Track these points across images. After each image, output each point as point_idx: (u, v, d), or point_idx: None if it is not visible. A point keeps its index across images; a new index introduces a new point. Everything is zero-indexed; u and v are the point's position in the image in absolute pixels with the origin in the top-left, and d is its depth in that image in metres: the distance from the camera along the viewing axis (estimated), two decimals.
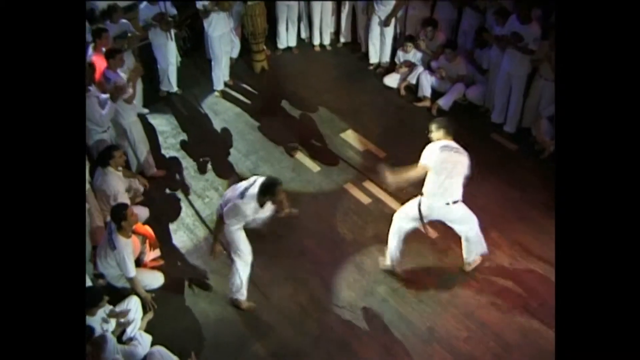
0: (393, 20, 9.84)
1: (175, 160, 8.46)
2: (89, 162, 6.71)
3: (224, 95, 9.80)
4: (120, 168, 6.92)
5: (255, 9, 9.58)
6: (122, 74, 7.46)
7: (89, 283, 5.99)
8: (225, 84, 9.92)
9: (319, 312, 6.36)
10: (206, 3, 8.91)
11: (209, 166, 8.31)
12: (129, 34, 8.60)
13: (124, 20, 8.66)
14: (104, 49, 7.63)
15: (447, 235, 7.02)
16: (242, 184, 5.86)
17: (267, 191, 5.67)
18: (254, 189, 5.68)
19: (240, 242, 6.04)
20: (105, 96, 7.10)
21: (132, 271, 6.03)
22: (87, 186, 6.57)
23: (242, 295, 6.33)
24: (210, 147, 8.70)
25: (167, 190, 7.94)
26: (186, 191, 7.92)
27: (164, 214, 7.55)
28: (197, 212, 7.57)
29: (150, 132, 8.83)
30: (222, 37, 9.38)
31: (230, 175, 8.14)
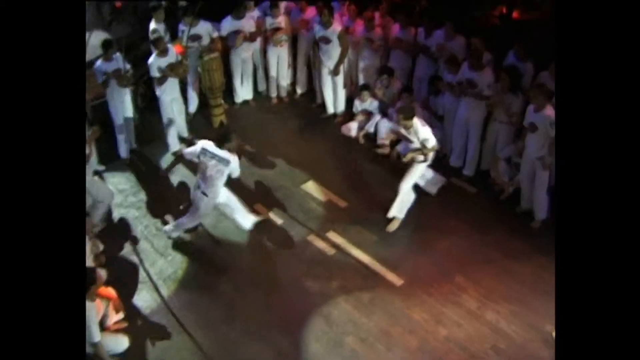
0: (344, 69, 10.01)
1: (135, 219, 8.35)
2: None
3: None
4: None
5: (212, 64, 9.62)
6: None
7: None
8: (184, 140, 9.90)
9: None
10: (162, 67, 8.95)
11: (171, 224, 8.17)
12: None
13: None
14: None
15: (413, 284, 7.06)
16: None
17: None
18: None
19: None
20: None
21: (97, 336, 5.86)
22: None
23: None
24: (171, 204, 8.61)
25: (129, 250, 7.80)
26: (148, 250, 7.80)
27: (125, 274, 7.41)
28: (159, 271, 7.44)
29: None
30: (174, 100, 9.40)
31: (192, 231, 8.08)
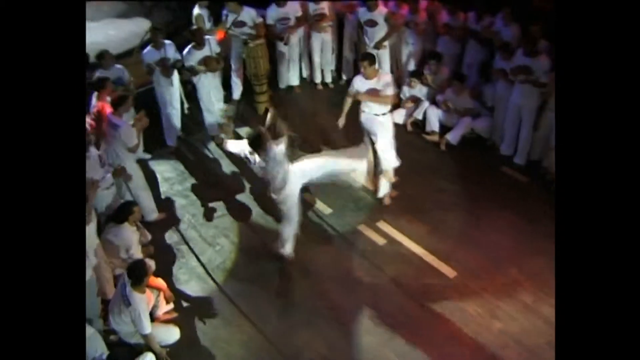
0: (387, 52, 9.90)
1: (183, 208, 8.33)
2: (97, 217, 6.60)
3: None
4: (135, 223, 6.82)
5: (257, 51, 9.56)
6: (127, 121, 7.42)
7: (99, 339, 5.81)
8: (220, 125, 9.84)
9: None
10: (196, 61, 8.96)
11: (219, 212, 8.17)
12: (125, 80, 8.57)
13: (117, 66, 8.65)
14: (108, 98, 7.59)
15: (467, 276, 6.91)
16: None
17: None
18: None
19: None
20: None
21: (148, 328, 5.85)
22: (97, 240, 6.45)
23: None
24: (219, 193, 8.57)
25: (177, 240, 7.78)
26: (196, 240, 7.76)
27: (174, 264, 7.39)
28: (208, 261, 7.40)
29: (155, 179, 8.75)
30: (212, 88, 9.41)
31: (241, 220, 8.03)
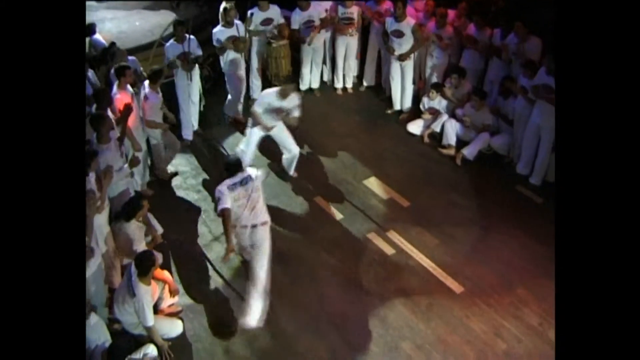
0: (412, 63, 9.83)
1: (195, 202, 8.34)
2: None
3: None
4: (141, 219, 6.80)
5: (280, 51, 9.56)
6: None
7: (102, 328, 5.81)
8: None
9: None
10: (224, 38, 9.13)
11: None
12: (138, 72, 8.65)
13: (131, 57, 8.71)
14: (128, 86, 7.62)
15: (474, 293, 6.86)
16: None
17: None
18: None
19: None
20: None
21: (151, 320, 5.84)
22: (108, 228, 6.47)
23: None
24: None
25: (186, 234, 7.77)
26: (206, 235, 7.76)
27: (181, 258, 7.39)
28: (216, 257, 7.38)
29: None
30: (240, 69, 9.55)
31: None
